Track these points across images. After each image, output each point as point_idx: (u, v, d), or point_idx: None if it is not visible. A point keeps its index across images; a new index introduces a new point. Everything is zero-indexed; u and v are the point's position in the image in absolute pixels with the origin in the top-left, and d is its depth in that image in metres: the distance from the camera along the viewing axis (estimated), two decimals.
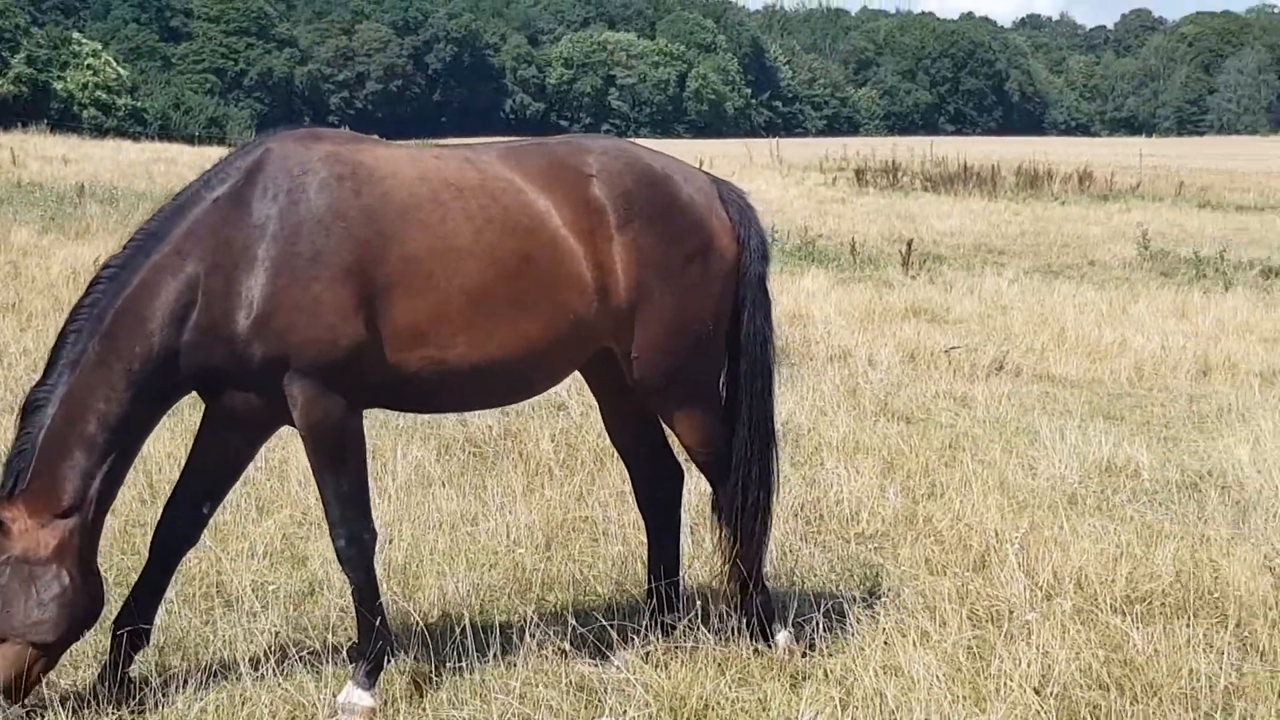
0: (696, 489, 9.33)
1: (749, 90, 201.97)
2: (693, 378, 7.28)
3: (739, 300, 7.37)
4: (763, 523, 7.48)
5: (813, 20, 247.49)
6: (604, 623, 7.47)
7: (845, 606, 7.97)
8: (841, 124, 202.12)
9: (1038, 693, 6.85)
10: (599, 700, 6.84)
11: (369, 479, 6.83)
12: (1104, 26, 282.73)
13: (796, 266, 25.68)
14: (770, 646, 7.48)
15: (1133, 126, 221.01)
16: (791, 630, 7.59)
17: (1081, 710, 6.78)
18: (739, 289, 7.36)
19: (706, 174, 7.58)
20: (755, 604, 7.52)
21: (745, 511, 7.41)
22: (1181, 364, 16.94)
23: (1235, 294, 23.25)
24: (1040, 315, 20.25)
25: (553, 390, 13.07)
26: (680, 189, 7.25)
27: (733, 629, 7.47)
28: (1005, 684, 6.88)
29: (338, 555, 6.75)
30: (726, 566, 7.54)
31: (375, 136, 8.03)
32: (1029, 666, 7.03)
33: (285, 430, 6.93)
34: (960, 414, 13.91)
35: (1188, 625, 7.71)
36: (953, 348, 16.84)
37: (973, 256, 29.88)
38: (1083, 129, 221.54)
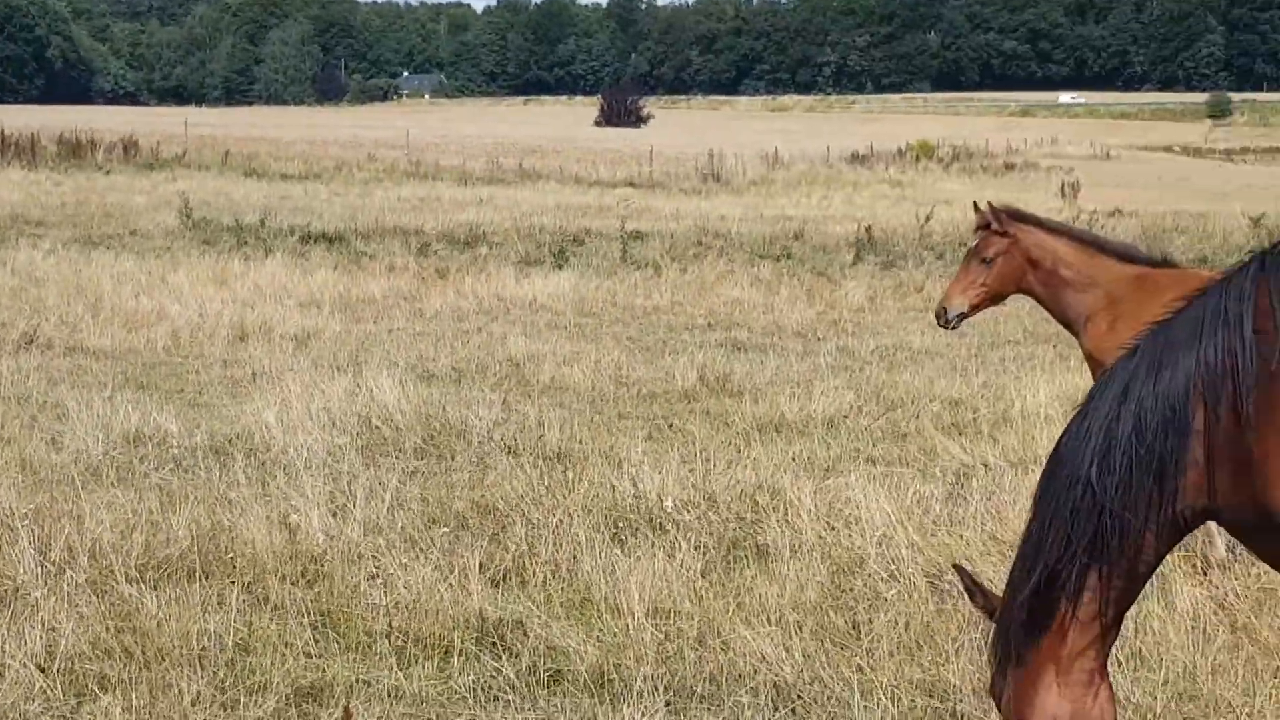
0: None
1: None
2: None
3: None
4: None
5: None
6: None
7: None
8: None
9: (43, 670, 6.67)
10: None
11: None
12: None
13: None
14: None
15: (182, 96, 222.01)
16: None
17: (89, 682, 6.69)
18: None
19: None
20: None
21: None
22: (219, 331, 17.12)
23: (275, 260, 23.77)
24: (76, 287, 19.84)
25: None
26: None
27: None
28: (8, 664, 6.65)
29: None
30: None
31: None
32: (34, 644, 6.83)
33: None
34: None
35: (201, 587, 7.78)
36: None
37: (9, 229, 28.74)
38: (131, 98, 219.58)
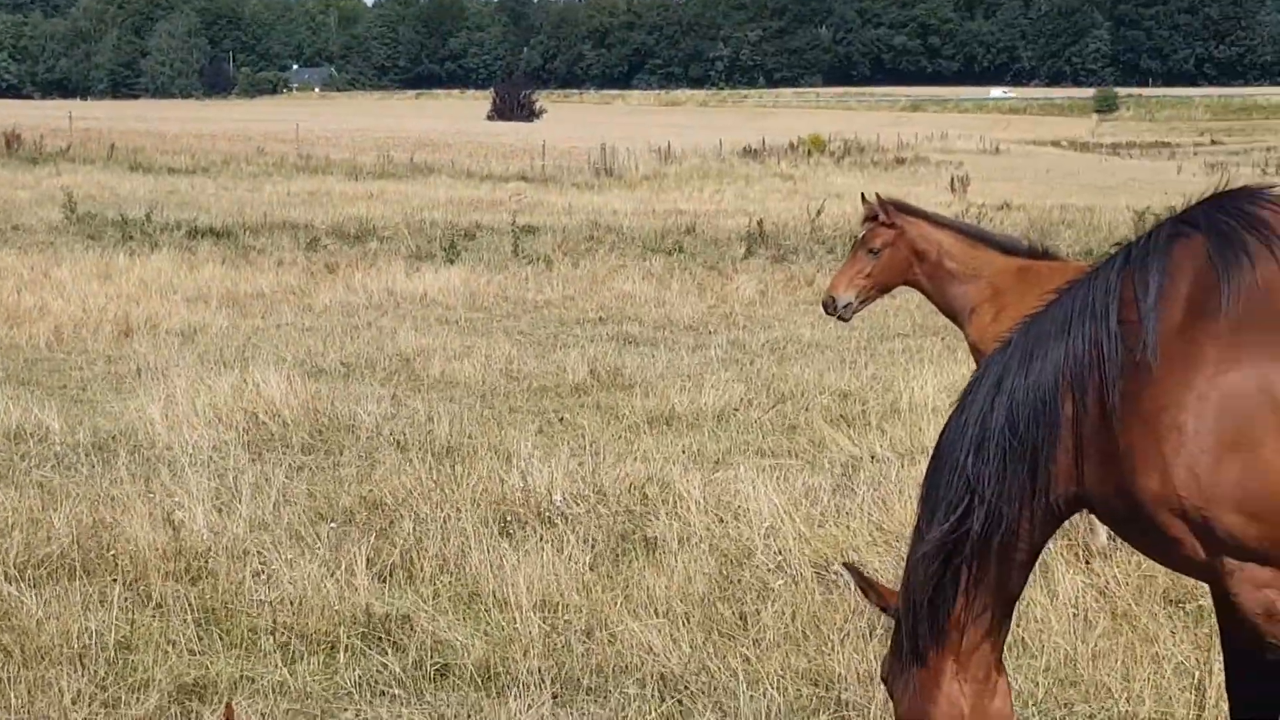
0: None
1: None
2: None
3: None
4: None
5: None
6: None
7: None
8: None
9: None
10: None
11: None
12: None
13: None
14: None
15: (67, 89, 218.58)
16: None
17: None
18: None
19: None
20: None
21: None
22: (103, 326, 16.92)
23: (161, 255, 23.49)
24: None
25: None
26: None
27: None
28: None
29: None
30: None
31: None
32: None
33: None
34: None
35: (83, 585, 7.67)
36: None
37: None
38: (14, 91, 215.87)
